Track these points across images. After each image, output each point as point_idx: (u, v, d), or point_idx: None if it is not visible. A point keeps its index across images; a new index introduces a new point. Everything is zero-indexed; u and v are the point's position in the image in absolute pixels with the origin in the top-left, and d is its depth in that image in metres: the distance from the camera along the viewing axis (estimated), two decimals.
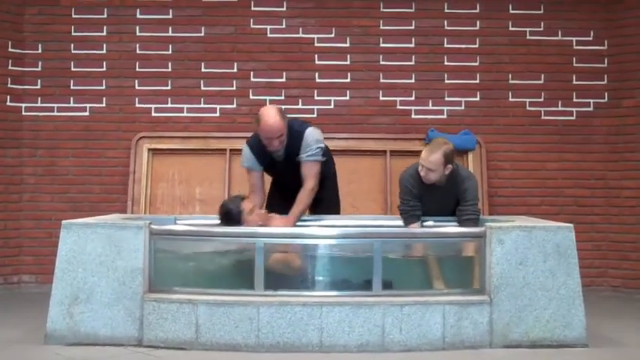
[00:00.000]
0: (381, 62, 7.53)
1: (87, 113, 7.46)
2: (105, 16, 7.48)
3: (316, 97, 7.45)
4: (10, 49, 7.36)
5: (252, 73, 7.50)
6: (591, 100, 7.55)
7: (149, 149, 7.30)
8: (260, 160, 5.81)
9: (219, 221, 5.46)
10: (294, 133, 5.74)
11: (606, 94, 7.54)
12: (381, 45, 7.55)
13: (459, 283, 5.14)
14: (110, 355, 4.70)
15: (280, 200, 5.83)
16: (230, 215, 5.38)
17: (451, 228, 5.44)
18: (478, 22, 7.57)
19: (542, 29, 7.56)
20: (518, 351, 4.84)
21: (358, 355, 4.76)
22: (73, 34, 7.47)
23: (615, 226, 7.45)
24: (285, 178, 5.86)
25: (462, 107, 7.52)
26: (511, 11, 7.57)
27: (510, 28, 7.57)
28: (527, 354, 4.80)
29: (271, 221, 5.46)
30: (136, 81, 7.48)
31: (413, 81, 7.54)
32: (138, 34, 7.49)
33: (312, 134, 5.79)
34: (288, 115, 5.89)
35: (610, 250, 7.47)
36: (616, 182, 7.45)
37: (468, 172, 5.89)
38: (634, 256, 7.32)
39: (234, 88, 7.50)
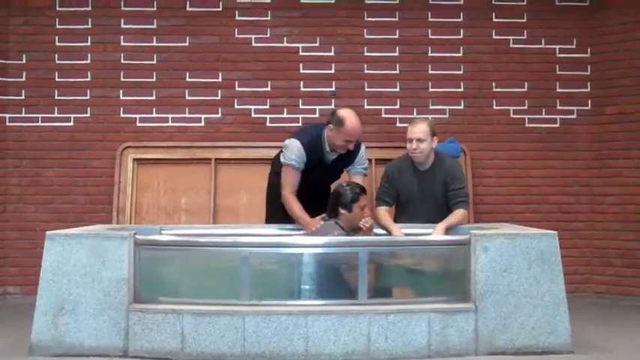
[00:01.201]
0: (366, 71, 7.55)
1: (71, 123, 7.44)
2: (89, 26, 7.46)
3: (301, 106, 7.45)
4: None
5: (236, 82, 7.51)
6: (575, 108, 7.60)
7: (134, 159, 7.28)
8: (310, 159, 5.79)
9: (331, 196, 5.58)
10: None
11: (589, 101, 7.59)
12: (366, 54, 7.57)
13: (443, 290, 5.14)
14: None
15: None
16: (342, 198, 5.48)
17: (435, 236, 5.45)
18: (462, 31, 7.60)
19: (525, 37, 7.60)
20: (504, 358, 4.86)
21: None
22: (57, 44, 7.44)
23: (599, 233, 7.48)
24: (319, 181, 5.90)
25: (447, 115, 7.55)
26: (494, 20, 7.60)
27: (494, 37, 7.60)
28: None
29: (366, 231, 5.57)
30: (121, 91, 7.46)
31: (397, 89, 7.57)
32: (122, 44, 7.47)
33: (364, 148, 6.02)
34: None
35: (594, 256, 7.50)
36: (599, 189, 7.49)
37: (453, 160, 6.17)
38: (618, 262, 7.36)
39: (219, 97, 7.50)
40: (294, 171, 5.77)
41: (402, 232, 5.64)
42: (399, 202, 6.04)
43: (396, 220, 5.91)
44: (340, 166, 5.97)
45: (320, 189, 5.90)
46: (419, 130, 5.79)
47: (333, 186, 5.88)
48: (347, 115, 5.74)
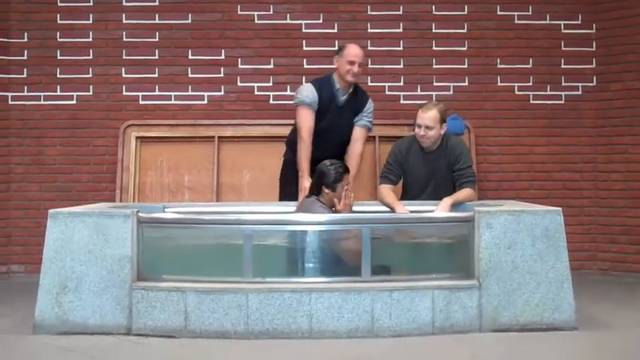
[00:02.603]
0: (369, 47, 7.49)
1: (74, 102, 7.42)
2: (91, 3, 7.43)
3: (304, 83, 7.40)
4: None
5: (239, 59, 7.48)
6: (580, 84, 7.56)
7: (137, 137, 7.26)
8: (321, 99, 5.96)
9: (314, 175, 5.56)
10: (361, 91, 6.18)
11: (594, 77, 7.54)
12: (369, 30, 7.53)
13: (447, 267, 5.12)
14: (99, 344, 4.69)
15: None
16: (325, 178, 5.44)
17: (439, 212, 5.43)
18: (466, 7, 7.54)
19: (530, 13, 7.55)
20: (508, 335, 4.86)
21: (348, 341, 4.76)
22: (58, 22, 7.42)
23: (604, 210, 7.46)
24: (332, 125, 5.98)
25: (451, 92, 7.51)
26: None
27: (498, 13, 7.55)
28: (517, 337, 4.81)
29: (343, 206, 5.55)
30: (123, 69, 7.44)
31: (401, 66, 7.53)
32: (124, 21, 7.44)
33: (372, 104, 6.17)
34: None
35: (599, 233, 7.49)
36: (604, 166, 7.46)
37: (458, 138, 6.17)
38: (623, 239, 7.34)
39: (221, 75, 7.47)
40: (306, 109, 5.94)
41: (407, 209, 5.63)
42: (405, 182, 6.05)
43: (400, 200, 5.90)
44: (351, 113, 6.04)
45: (336, 143, 6.00)
46: (429, 117, 5.78)
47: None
48: (346, 43, 6.13)
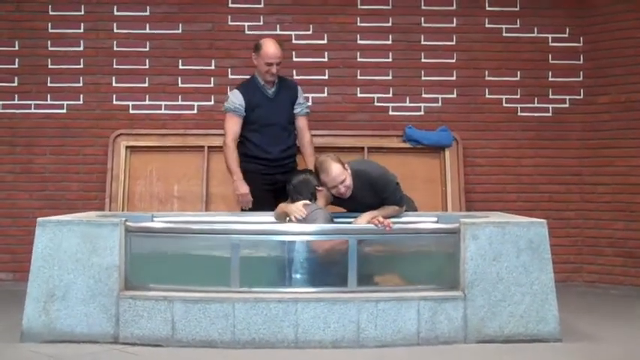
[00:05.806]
0: (359, 59, 7.55)
1: (64, 110, 7.44)
2: (82, 12, 7.44)
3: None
4: None
5: (229, 70, 7.50)
6: (567, 97, 7.61)
7: (127, 146, 7.27)
8: (250, 98, 6.21)
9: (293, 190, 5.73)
10: (287, 80, 6.53)
11: (582, 90, 7.60)
12: (359, 42, 7.57)
13: (433, 278, 5.16)
14: (86, 353, 4.71)
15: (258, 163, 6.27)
16: (311, 182, 5.68)
17: (426, 224, 5.48)
18: (455, 19, 7.60)
19: (518, 26, 7.60)
20: (493, 346, 4.89)
21: (333, 351, 4.80)
22: (50, 30, 7.43)
23: (590, 222, 7.50)
24: (274, 117, 6.25)
25: (439, 104, 7.55)
26: (487, 8, 7.60)
27: (487, 25, 7.60)
28: (502, 349, 4.85)
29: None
30: (114, 78, 7.45)
31: (390, 78, 7.56)
32: (115, 30, 7.46)
33: (301, 90, 6.52)
34: None
35: (585, 245, 7.53)
36: (590, 178, 7.51)
37: (369, 172, 5.75)
38: (609, 251, 7.39)
39: (211, 85, 7.49)
40: (233, 116, 6.24)
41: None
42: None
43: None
44: (287, 101, 6.36)
45: (280, 129, 6.28)
46: (338, 173, 5.54)
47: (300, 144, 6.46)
48: (264, 40, 6.36)
